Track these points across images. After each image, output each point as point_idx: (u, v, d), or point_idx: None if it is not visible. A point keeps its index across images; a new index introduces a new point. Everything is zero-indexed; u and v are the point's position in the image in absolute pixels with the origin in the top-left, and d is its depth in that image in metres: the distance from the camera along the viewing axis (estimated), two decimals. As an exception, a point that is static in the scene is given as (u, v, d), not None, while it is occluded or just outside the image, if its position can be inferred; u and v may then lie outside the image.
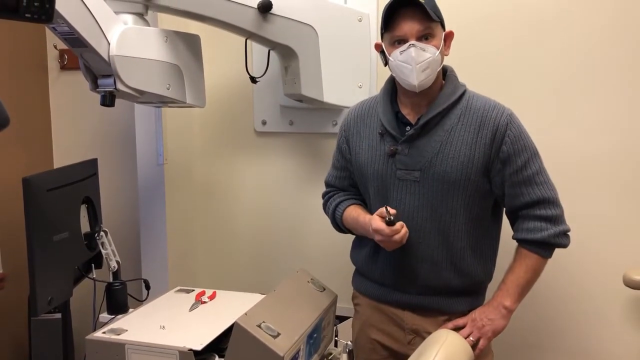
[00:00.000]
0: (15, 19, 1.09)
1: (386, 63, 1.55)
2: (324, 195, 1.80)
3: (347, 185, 1.74)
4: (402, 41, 1.48)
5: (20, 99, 2.36)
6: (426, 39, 1.47)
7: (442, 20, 1.51)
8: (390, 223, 1.44)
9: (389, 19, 1.48)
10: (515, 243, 1.57)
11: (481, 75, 1.88)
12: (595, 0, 1.93)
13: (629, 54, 1.92)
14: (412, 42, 1.46)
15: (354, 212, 1.65)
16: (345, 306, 1.85)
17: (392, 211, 1.45)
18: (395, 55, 1.49)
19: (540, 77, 2.00)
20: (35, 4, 1.08)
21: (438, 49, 1.47)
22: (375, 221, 1.47)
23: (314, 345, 1.57)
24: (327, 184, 1.80)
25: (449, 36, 1.54)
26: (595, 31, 1.94)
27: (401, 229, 1.45)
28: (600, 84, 1.95)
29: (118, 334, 1.47)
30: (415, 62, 1.45)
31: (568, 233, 1.52)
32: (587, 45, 1.95)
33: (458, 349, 1.21)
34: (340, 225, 1.72)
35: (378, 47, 1.57)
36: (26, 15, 1.08)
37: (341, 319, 1.89)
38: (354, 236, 1.76)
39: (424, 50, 1.46)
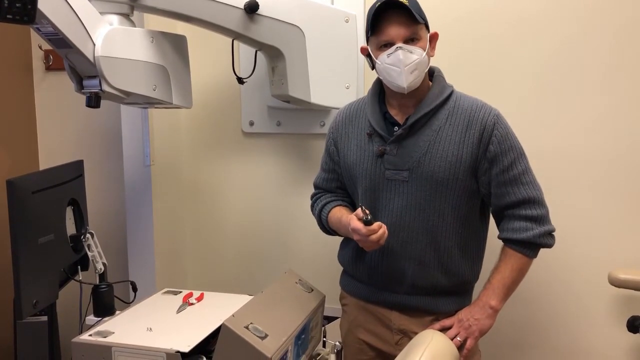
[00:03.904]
0: (-4, 20, 1.08)
1: (373, 67, 1.55)
2: (312, 197, 1.81)
3: (334, 188, 1.74)
4: (388, 44, 1.48)
5: (4, 100, 2.34)
6: (412, 41, 1.48)
7: (427, 22, 1.52)
8: (367, 223, 1.43)
9: (375, 23, 1.48)
10: (501, 243, 1.58)
11: (465, 75, 1.89)
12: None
13: (612, 53, 1.94)
14: (399, 44, 1.46)
15: (338, 213, 1.65)
16: (333, 306, 1.86)
17: (368, 211, 1.44)
18: (383, 59, 1.49)
19: (524, 77, 2.02)
20: (17, 5, 1.07)
21: (424, 50, 1.48)
22: (353, 221, 1.46)
23: (302, 346, 1.57)
24: (316, 186, 1.80)
25: (434, 37, 1.55)
26: (578, 31, 1.96)
27: (378, 230, 1.44)
28: (585, 84, 1.97)
29: (105, 337, 1.46)
30: (404, 64, 1.46)
31: (553, 233, 1.53)
32: (570, 45, 1.97)
33: (443, 350, 1.21)
34: (326, 227, 1.72)
35: (364, 50, 1.58)
36: (8, 16, 1.07)
37: (329, 319, 1.89)
38: (341, 237, 1.76)
39: (411, 52, 1.46)
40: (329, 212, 1.69)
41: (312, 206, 1.80)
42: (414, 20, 1.45)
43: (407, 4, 1.44)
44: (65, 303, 1.92)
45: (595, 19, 1.94)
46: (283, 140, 2.30)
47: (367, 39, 1.56)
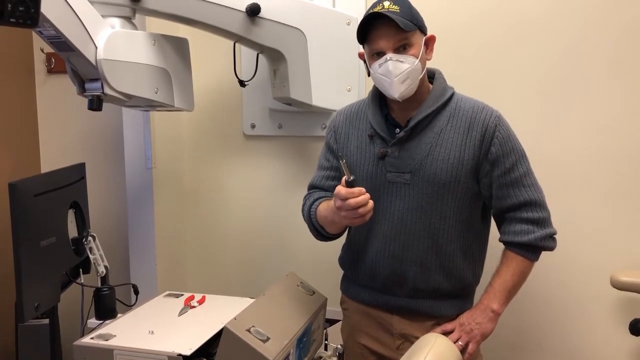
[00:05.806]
0: (-1, 24, 1.08)
1: (369, 73, 1.54)
2: (303, 199, 1.73)
3: (332, 186, 1.67)
4: (380, 53, 1.48)
5: (6, 103, 2.34)
6: (404, 48, 1.46)
7: (422, 26, 1.50)
8: (349, 185, 1.37)
9: (365, 33, 1.48)
10: (502, 246, 1.57)
11: (467, 79, 1.88)
12: (578, 2, 1.95)
13: (614, 57, 1.94)
14: (389, 55, 1.45)
15: (327, 201, 1.57)
16: (335, 309, 1.85)
17: (351, 174, 1.38)
18: (375, 68, 1.49)
19: (524, 79, 2.01)
20: (20, 8, 1.07)
21: (417, 58, 1.47)
22: (338, 186, 1.40)
23: (304, 349, 1.57)
24: (310, 187, 1.73)
25: (430, 40, 1.53)
26: (580, 33, 1.96)
27: (359, 195, 1.36)
28: (585, 86, 1.97)
29: (106, 340, 1.46)
30: (394, 75, 1.45)
31: (554, 236, 1.53)
32: (571, 47, 1.97)
33: (447, 353, 1.21)
34: (314, 224, 1.64)
35: (361, 55, 1.57)
36: (11, 19, 1.07)
37: (331, 322, 1.89)
38: (343, 239, 1.75)
39: (401, 61, 1.45)
40: (319, 205, 1.61)
41: (302, 207, 1.71)
42: (405, 27, 1.43)
43: (398, 10, 1.42)
44: (66, 306, 1.92)
45: (598, 21, 1.94)
46: (284, 143, 2.30)
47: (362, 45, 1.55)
